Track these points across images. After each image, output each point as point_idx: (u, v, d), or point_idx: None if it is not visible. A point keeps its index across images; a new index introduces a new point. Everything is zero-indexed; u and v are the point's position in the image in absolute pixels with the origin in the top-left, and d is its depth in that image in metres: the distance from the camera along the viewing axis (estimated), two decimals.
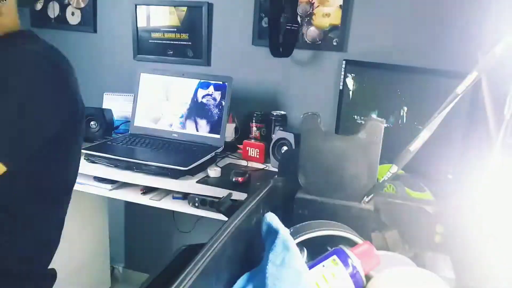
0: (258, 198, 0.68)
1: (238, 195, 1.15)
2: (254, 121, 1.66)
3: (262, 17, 1.69)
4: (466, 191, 0.68)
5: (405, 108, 1.37)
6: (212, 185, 1.32)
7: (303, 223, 0.61)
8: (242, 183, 1.32)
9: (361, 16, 1.58)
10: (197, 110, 1.64)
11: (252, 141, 1.60)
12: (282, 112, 1.66)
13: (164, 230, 2.04)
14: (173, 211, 1.79)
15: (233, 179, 1.33)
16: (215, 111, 1.61)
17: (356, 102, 1.48)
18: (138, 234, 2.16)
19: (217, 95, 1.61)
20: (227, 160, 1.58)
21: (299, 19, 1.63)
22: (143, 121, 1.70)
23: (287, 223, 0.61)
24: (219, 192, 1.28)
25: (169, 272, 0.49)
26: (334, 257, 0.52)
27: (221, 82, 1.61)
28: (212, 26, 1.78)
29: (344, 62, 1.52)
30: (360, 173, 0.65)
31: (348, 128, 1.49)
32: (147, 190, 1.44)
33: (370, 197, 0.65)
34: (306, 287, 0.47)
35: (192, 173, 1.37)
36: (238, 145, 1.66)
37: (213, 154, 1.51)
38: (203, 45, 1.80)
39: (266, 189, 0.73)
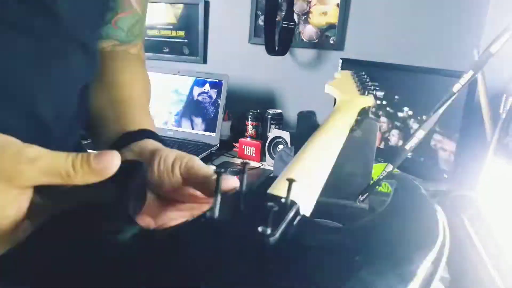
0: None
1: None
2: (250, 119, 1.65)
3: (258, 15, 1.69)
4: (461, 191, 0.68)
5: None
6: None
7: None
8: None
9: (359, 15, 1.57)
10: (192, 108, 1.63)
11: (248, 139, 1.60)
12: (278, 111, 1.65)
13: None
14: None
15: None
16: (211, 109, 1.61)
17: None
18: None
19: (213, 93, 1.60)
20: (222, 159, 1.57)
21: (295, 17, 1.62)
22: None
23: None
24: None
25: None
26: None
27: (217, 80, 1.60)
28: (208, 24, 1.77)
29: (340, 61, 1.51)
30: (355, 172, 0.65)
31: None
32: None
33: (365, 196, 0.65)
34: None
35: None
36: (234, 144, 1.65)
37: (208, 152, 1.50)
38: (199, 43, 1.79)
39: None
